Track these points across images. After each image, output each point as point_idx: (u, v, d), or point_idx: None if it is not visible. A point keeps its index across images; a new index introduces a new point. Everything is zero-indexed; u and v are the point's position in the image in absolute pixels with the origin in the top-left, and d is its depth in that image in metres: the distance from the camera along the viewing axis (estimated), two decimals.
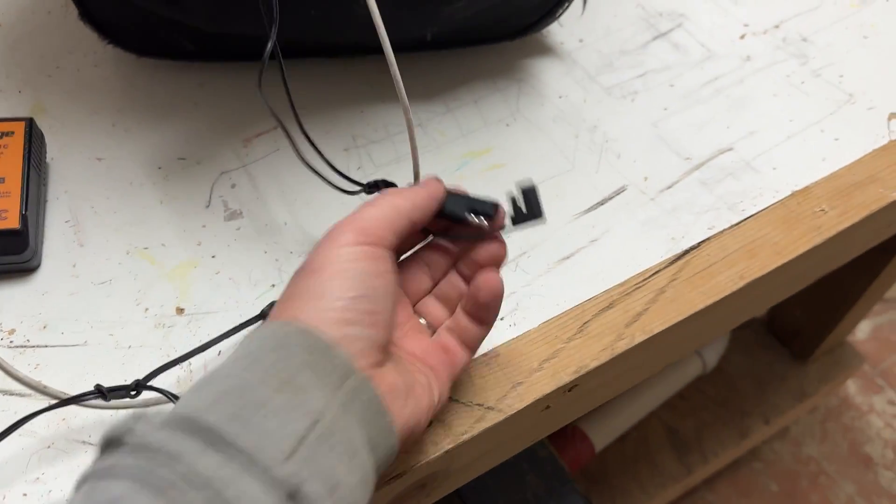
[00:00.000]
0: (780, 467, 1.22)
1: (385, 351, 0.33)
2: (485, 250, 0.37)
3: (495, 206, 0.37)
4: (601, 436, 0.92)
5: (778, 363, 1.04)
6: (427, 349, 0.37)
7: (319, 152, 0.45)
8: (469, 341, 0.37)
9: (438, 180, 0.38)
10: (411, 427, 0.33)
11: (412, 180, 0.43)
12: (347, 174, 0.51)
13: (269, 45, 0.41)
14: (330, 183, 0.45)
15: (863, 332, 1.36)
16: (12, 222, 0.43)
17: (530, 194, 0.38)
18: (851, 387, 1.30)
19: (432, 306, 0.38)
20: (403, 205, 0.35)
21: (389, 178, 0.51)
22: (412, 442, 0.35)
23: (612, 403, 0.93)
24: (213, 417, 0.27)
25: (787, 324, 1.03)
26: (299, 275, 0.33)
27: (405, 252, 0.39)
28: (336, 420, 0.29)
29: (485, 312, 0.37)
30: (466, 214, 0.37)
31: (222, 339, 0.41)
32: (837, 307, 0.94)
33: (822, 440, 1.25)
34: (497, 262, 0.38)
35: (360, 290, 0.32)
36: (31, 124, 0.47)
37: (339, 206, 0.48)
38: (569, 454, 0.88)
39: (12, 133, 0.46)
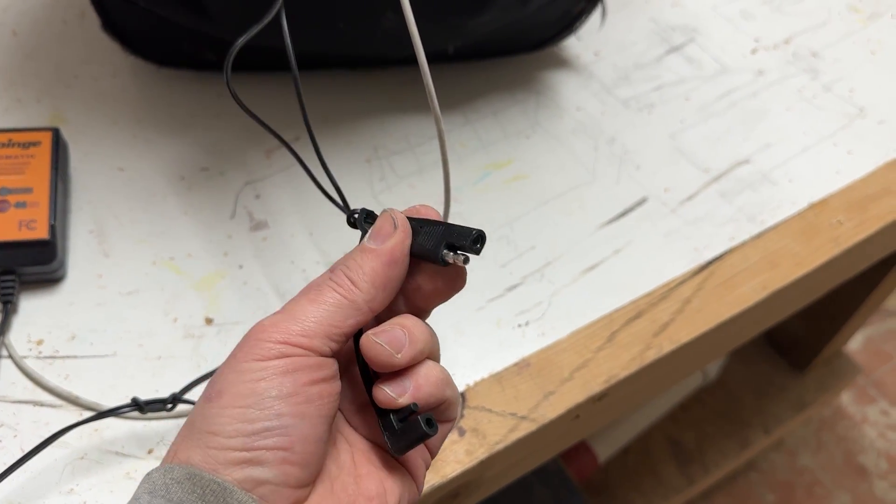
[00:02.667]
0: (776, 477, 1.23)
1: (306, 484, 0.27)
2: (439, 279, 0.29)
3: (480, 236, 0.29)
4: (605, 447, 0.92)
5: (777, 374, 1.05)
6: (370, 474, 0.29)
7: (327, 170, 0.43)
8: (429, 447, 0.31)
9: (403, 230, 0.30)
10: None
11: (442, 192, 0.43)
12: (371, 184, 0.51)
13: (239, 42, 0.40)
14: (332, 201, 0.44)
15: (856, 342, 1.38)
16: (41, 233, 0.43)
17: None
18: (845, 397, 1.32)
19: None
20: (354, 298, 0.28)
21: (413, 189, 0.51)
22: None
23: None
24: None
25: (786, 334, 1.04)
26: (199, 400, 0.27)
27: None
28: None
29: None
30: (442, 253, 0.29)
31: None
32: (835, 318, 0.95)
33: (818, 450, 1.26)
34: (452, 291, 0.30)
35: (264, 420, 0.26)
36: (57, 134, 0.47)
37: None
38: (573, 466, 0.88)
39: (39, 143, 0.46)
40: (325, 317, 0.27)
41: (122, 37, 0.52)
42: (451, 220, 0.45)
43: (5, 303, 0.43)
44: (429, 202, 0.50)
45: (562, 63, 0.59)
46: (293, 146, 0.52)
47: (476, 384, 0.42)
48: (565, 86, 0.57)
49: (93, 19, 0.58)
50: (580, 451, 0.90)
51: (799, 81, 0.58)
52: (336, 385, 0.28)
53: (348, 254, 0.29)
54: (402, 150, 0.53)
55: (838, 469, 1.25)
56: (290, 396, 0.26)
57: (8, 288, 0.43)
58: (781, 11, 0.63)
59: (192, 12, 0.46)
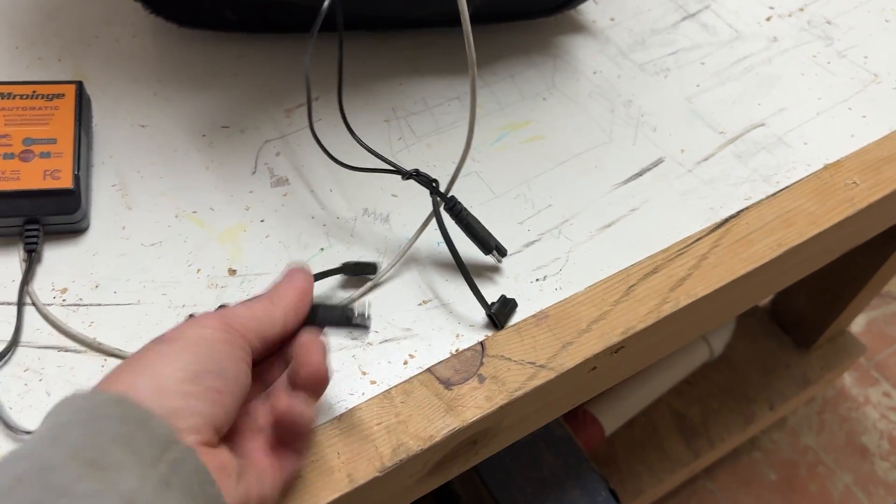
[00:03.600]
0: (779, 457, 1.24)
1: (220, 434, 0.31)
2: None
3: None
4: (611, 420, 0.93)
5: (781, 351, 1.06)
6: (259, 450, 0.34)
7: (360, 141, 0.45)
8: (295, 446, 0.35)
9: (307, 274, 0.37)
10: None
11: (459, 150, 0.44)
12: (389, 143, 0.52)
13: (326, 5, 0.41)
14: (377, 156, 0.45)
15: (858, 325, 1.39)
16: (66, 182, 0.44)
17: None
18: (848, 379, 1.33)
19: (262, 408, 0.36)
20: (275, 313, 0.35)
21: (430, 148, 0.52)
22: None
23: (621, 388, 0.94)
24: None
25: (791, 312, 1.05)
26: (151, 342, 0.32)
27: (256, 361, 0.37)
28: (153, 499, 0.26)
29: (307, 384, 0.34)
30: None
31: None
32: (841, 296, 0.95)
33: (820, 431, 1.27)
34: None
35: (209, 366, 0.31)
36: (81, 87, 0.47)
37: (378, 176, 0.48)
38: (580, 437, 0.89)
39: (63, 95, 0.47)
40: (255, 317, 0.34)
41: None
42: (468, 178, 0.47)
43: (30, 251, 0.43)
44: (447, 161, 0.51)
45: (579, 27, 0.59)
46: (314, 105, 0.53)
47: (495, 334, 0.43)
48: (582, 50, 0.58)
49: None
50: (587, 422, 0.90)
51: (813, 48, 0.59)
52: (250, 376, 0.33)
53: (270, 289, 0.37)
54: (420, 111, 0.54)
55: (840, 449, 1.26)
56: (230, 359, 0.32)
57: (32, 237, 0.44)
58: None
59: None
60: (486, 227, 0.47)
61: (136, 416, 0.28)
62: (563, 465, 0.77)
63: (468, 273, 0.43)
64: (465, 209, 0.44)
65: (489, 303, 0.43)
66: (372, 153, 0.46)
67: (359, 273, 0.44)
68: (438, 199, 0.44)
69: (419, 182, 0.45)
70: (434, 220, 0.44)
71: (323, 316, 0.37)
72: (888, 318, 1.41)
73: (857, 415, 1.30)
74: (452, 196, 0.44)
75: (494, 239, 0.44)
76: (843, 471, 1.24)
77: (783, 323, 1.06)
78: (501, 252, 0.45)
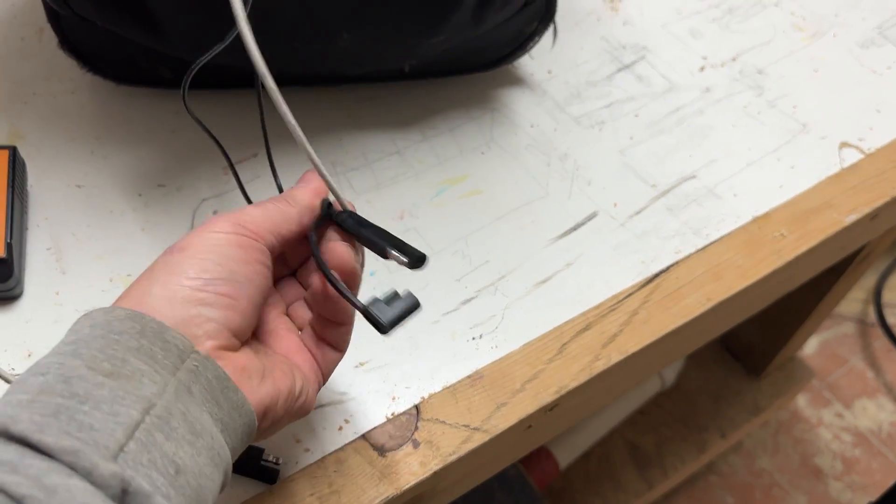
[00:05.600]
0: (735, 480, 1.26)
1: (240, 338, 0.32)
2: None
3: (423, 257, 0.34)
4: (565, 453, 0.94)
5: (732, 378, 1.08)
6: (292, 348, 0.36)
7: (280, 187, 0.44)
8: (334, 341, 0.37)
9: (321, 182, 0.37)
10: (266, 405, 0.32)
11: (399, 207, 0.44)
12: None
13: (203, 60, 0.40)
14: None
15: (811, 346, 1.42)
16: None
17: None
18: (801, 400, 1.35)
19: (302, 310, 0.37)
20: (290, 211, 0.35)
21: (370, 204, 0.52)
22: (269, 427, 0.33)
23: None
24: (24, 425, 0.25)
25: (741, 340, 1.07)
26: (164, 253, 0.32)
27: (294, 265, 0.39)
28: (173, 403, 0.28)
29: (332, 309, 0.35)
30: (388, 248, 0.34)
31: None
32: (788, 324, 0.98)
33: (775, 453, 1.30)
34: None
35: (220, 272, 0.31)
36: (14, 153, 0.47)
37: None
38: (535, 472, 0.89)
39: None
40: (269, 216, 0.34)
41: (80, 54, 0.52)
42: (407, 234, 0.47)
43: None
44: (386, 216, 0.52)
45: (516, 81, 0.60)
46: (251, 162, 0.53)
47: (431, 396, 0.43)
48: (519, 103, 0.59)
49: (51, 36, 0.58)
50: (542, 457, 0.91)
51: (744, 98, 0.60)
52: (270, 274, 0.34)
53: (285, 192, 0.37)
54: (360, 165, 0.54)
55: (795, 471, 1.28)
56: (243, 262, 0.32)
57: None
58: (729, 30, 0.66)
59: (147, 32, 0.47)
60: (426, 284, 0.48)
61: (151, 329, 0.29)
62: None
63: (338, 286, 0.34)
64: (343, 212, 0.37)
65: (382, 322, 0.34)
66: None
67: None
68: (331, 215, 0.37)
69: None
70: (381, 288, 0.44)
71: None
72: (840, 339, 1.44)
73: (810, 436, 1.32)
74: (325, 199, 0.37)
75: (390, 236, 0.35)
76: (797, 492, 1.26)
77: (734, 350, 1.08)
78: (405, 251, 0.34)
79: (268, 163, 0.43)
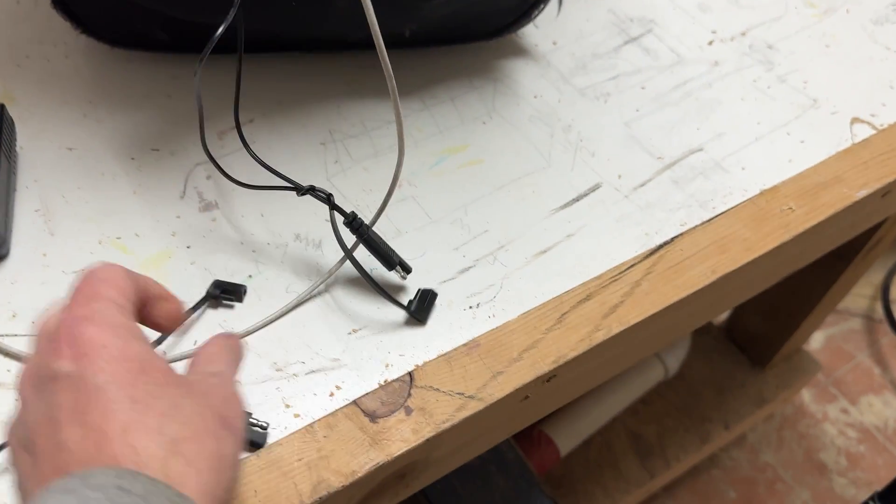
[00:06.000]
0: (738, 474, 1.24)
1: None
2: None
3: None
4: (566, 440, 0.92)
5: (737, 370, 1.06)
6: None
7: (256, 158, 0.45)
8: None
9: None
10: None
11: (392, 173, 0.43)
12: (325, 167, 0.51)
13: (220, 30, 0.41)
14: (280, 176, 0.45)
15: (817, 342, 1.40)
16: None
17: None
18: (806, 395, 1.34)
19: None
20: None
21: (367, 171, 0.51)
22: None
23: (576, 408, 0.94)
24: None
25: (746, 331, 1.05)
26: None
27: None
28: None
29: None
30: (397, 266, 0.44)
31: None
32: (795, 314, 0.96)
33: (779, 448, 1.28)
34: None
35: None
36: (2, 110, 0.46)
37: (307, 201, 0.47)
38: (535, 458, 0.88)
39: None
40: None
41: (74, 16, 0.51)
42: (405, 203, 0.47)
43: None
44: (383, 185, 0.51)
45: (520, 51, 0.59)
46: (247, 127, 0.52)
47: (425, 364, 0.42)
48: (523, 74, 0.57)
49: (47, 0, 0.57)
50: (542, 443, 0.90)
51: (754, 72, 0.59)
52: None
53: None
54: (358, 133, 0.53)
55: (799, 466, 1.27)
56: None
57: None
58: (738, 5, 0.64)
59: None
60: (422, 252, 0.47)
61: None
62: (514, 489, 0.76)
63: (373, 279, 0.43)
64: (366, 225, 0.44)
65: (407, 302, 0.43)
66: (268, 169, 0.45)
67: (224, 297, 0.43)
68: (336, 213, 0.44)
69: (316, 197, 0.44)
70: (357, 242, 0.43)
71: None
72: (846, 335, 1.42)
73: (815, 431, 1.31)
74: (353, 212, 0.44)
75: (398, 255, 0.44)
76: (801, 487, 1.24)
77: (738, 341, 1.07)
78: (406, 269, 0.44)
79: (264, 127, 0.42)
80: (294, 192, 0.44)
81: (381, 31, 0.53)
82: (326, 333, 0.43)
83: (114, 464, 0.24)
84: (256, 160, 0.44)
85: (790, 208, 0.50)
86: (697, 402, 1.02)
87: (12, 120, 0.48)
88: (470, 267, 0.47)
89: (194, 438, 0.26)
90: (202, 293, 0.44)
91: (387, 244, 0.44)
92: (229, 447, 0.27)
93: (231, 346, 0.33)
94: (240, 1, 0.40)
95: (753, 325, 1.03)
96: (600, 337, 0.43)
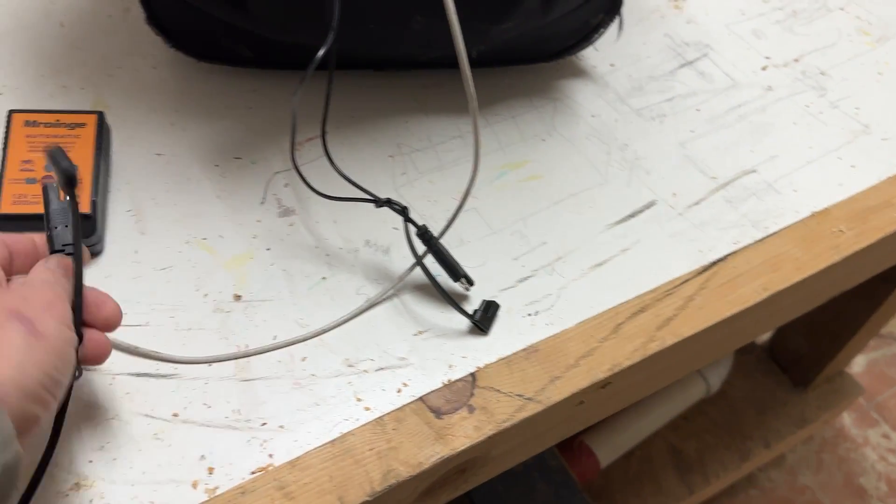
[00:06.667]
0: (776, 495, 1.24)
1: None
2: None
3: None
4: (607, 452, 0.94)
5: (779, 389, 1.06)
6: None
7: (339, 171, 0.48)
8: None
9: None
10: None
11: (460, 187, 0.46)
12: (393, 178, 0.54)
13: (322, 52, 0.44)
14: (359, 188, 0.48)
15: (859, 365, 1.39)
16: (83, 207, 0.46)
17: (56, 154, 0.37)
18: (847, 419, 1.33)
19: None
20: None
21: (433, 184, 0.54)
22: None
23: (618, 421, 0.95)
24: None
25: (789, 351, 1.06)
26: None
27: None
28: None
29: None
30: (461, 278, 0.47)
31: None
32: (838, 336, 0.97)
33: (818, 470, 1.28)
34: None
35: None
36: (101, 117, 0.50)
37: (376, 210, 0.50)
38: (575, 469, 0.90)
39: (84, 125, 0.49)
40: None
41: (165, 31, 0.55)
42: (468, 214, 0.50)
43: None
44: (447, 196, 0.53)
45: (579, 72, 0.61)
46: (319, 140, 0.55)
47: (486, 366, 0.44)
48: (581, 94, 0.60)
49: (136, 15, 0.61)
50: (583, 454, 0.92)
51: (806, 98, 0.61)
52: None
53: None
54: (424, 147, 0.56)
55: (838, 490, 1.26)
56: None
57: None
58: (792, 32, 0.66)
59: (233, 9, 0.49)
60: (483, 261, 0.50)
61: None
62: (556, 496, 0.78)
63: (442, 288, 0.46)
64: (436, 238, 0.47)
65: (472, 311, 0.46)
66: (351, 183, 0.48)
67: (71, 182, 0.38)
68: (410, 225, 0.47)
69: (392, 209, 0.47)
70: (427, 252, 0.46)
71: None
72: (889, 360, 1.41)
73: (855, 455, 1.30)
74: (424, 225, 0.47)
75: (462, 268, 0.47)
76: None
77: (781, 361, 1.07)
78: (469, 281, 0.47)
79: (337, 138, 0.45)
80: (361, 205, 0.47)
81: (451, 52, 0.56)
82: (394, 334, 0.46)
83: None
84: (339, 173, 0.47)
85: (840, 230, 0.52)
86: (738, 420, 1.03)
87: (109, 126, 0.52)
88: (529, 276, 0.49)
89: None
90: (281, 292, 0.47)
91: (452, 256, 0.47)
92: (14, 332, 0.33)
93: (52, 263, 0.38)
94: (336, 27, 0.43)
95: (796, 345, 1.03)
96: (654, 348, 0.45)
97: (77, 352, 0.36)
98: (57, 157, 0.36)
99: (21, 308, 0.34)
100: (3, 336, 0.32)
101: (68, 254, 0.38)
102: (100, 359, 0.38)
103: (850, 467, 1.28)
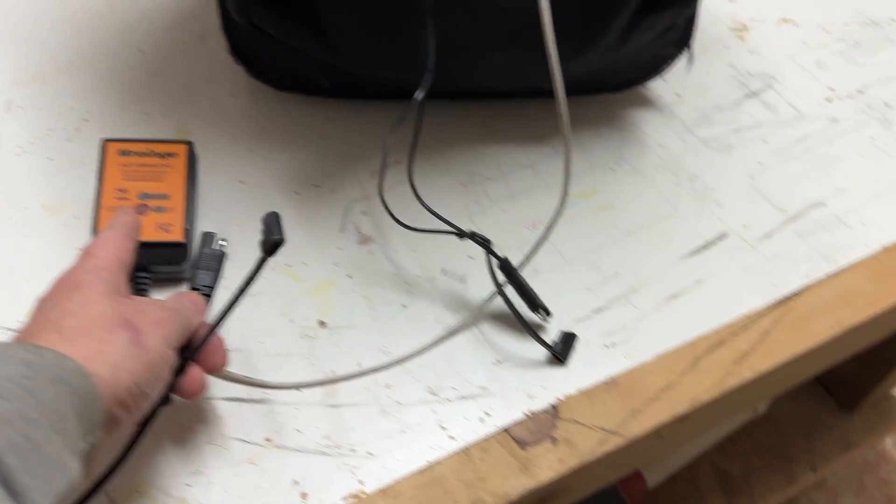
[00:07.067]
0: None
1: None
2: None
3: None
4: (654, 473, 0.94)
5: (824, 412, 1.06)
6: None
7: (424, 204, 0.49)
8: None
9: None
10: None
11: (531, 216, 0.47)
12: (466, 207, 0.55)
13: (421, 95, 0.45)
14: (443, 220, 0.49)
15: None
16: (177, 235, 0.48)
17: (271, 220, 0.40)
18: (889, 442, 1.32)
19: None
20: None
21: (505, 213, 0.55)
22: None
23: None
24: None
25: (835, 374, 1.05)
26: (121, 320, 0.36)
27: None
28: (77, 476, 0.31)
29: None
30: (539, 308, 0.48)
31: None
32: (886, 360, 0.96)
33: (860, 493, 1.27)
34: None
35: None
36: (191, 147, 0.52)
37: (455, 239, 0.51)
38: (624, 489, 0.90)
39: (176, 154, 0.51)
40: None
41: (247, 61, 0.56)
42: (541, 244, 0.50)
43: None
44: (520, 226, 0.54)
45: (645, 102, 0.62)
46: (394, 169, 0.57)
47: (567, 398, 0.45)
48: (648, 124, 0.61)
49: (213, 42, 0.63)
50: (631, 475, 0.92)
51: (872, 130, 0.61)
52: None
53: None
54: (495, 176, 0.57)
55: None
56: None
57: (142, 284, 0.48)
58: (856, 63, 0.66)
59: (319, 44, 0.51)
60: (558, 292, 0.51)
61: (91, 394, 0.32)
62: None
63: (523, 318, 0.47)
64: (517, 270, 0.48)
65: (551, 342, 0.47)
66: (435, 215, 0.49)
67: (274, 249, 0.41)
68: (493, 257, 0.48)
69: (476, 242, 0.48)
70: (503, 281, 0.47)
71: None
72: None
73: None
74: (506, 257, 0.48)
75: (541, 300, 0.48)
76: None
77: (827, 384, 1.07)
78: (547, 312, 0.48)
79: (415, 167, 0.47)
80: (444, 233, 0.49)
81: (525, 85, 0.58)
82: (474, 363, 0.47)
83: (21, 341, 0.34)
84: (424, 206, 0.49)
85: None
86: (784, 443, 1.03)
87: (197, 155, 0.53)
88: (604, 307, 0.50)
89: (81, 327, 0.35)
90: (364, 319, 0.48)
91: (532, 288, 0.48)
92: (119, 338, 0.35)
93: (186, 298, 0.42)
94: (433, 69, 0.44)
95: (843, 368, 1.03)
96: (732, 382, 0.46)
97: (174, 379, 0.38)
98: (271, 223, 0.39)
99: (133, 319, 0.36)
100: (110, 338, 0.35)
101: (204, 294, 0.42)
102: (192, 395, 0.40)
103: (892, 490, 1.27)
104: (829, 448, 1.03)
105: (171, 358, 0.38)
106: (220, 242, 0.46)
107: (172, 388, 0.39)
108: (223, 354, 0.41)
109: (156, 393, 0.37)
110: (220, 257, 0.43)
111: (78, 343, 0.34)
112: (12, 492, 0.27)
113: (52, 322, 0.35)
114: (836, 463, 1.04)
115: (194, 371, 0.39)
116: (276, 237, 0.39)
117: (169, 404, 0.39)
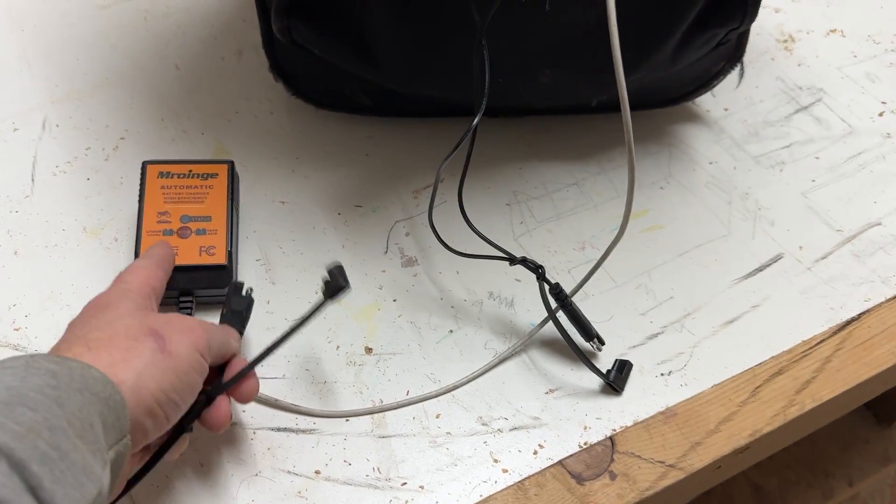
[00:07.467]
0: None
1: None
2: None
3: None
4: None
5: (862, 426, 1.04)
6: None
7: (474, 229, 0.48)
8: None
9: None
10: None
11: (577, 237, 0.45)
12: (511, 227, 0.54)
13: (476, 120, 0.44)
14: (489, 243, 0.48)
15: None
16: (220, 258, 0.47)
17: (335, 270, 0.41)
18: None
19: None
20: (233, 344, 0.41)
21: (551, 233, 0.53)
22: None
23: None
24: (24, 453, 0.27)
25: None
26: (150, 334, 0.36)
27: None
28: (107, 483, 0.30)
29: None
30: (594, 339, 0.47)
31: None
32: None
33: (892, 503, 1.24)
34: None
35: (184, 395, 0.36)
36: (232, 167, 0.50)
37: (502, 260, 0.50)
38: None
39: (216, 175, 0.50)
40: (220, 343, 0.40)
41: (286, 79, 0.55)
42: (589, 265, 0.49)
43: None
44: (567, 247, 0.53)
45: (693, 117, 0.61)
46: (438, 187, 0.55)
47: (624, 430, 0.44)
48: (697, 140, 0.59)
49: (249, 58, 0.62)
50: None
51: None
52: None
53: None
54: (540, 195, 0.56)
55: None
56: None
57: (185, 308, 0.47)
58: None
59: (363, 62, 0.50)
60: (609, 316, 0.49)
61: (118, 401, 0.32)
62: None
63: (577, 347, 0.46)
64: (569, 297, 0.46)
65: (606, 371, 0.45)
66: (484, 240, 0.48)
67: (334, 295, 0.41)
68: (545, 284, 0.46)
69: (526, 268, 0.47)
70: (558, 309, 0.46)
71: None
72: None
73: None
74: (558, 283, 0.47)
75: (594, 328, 0.47)
76: None
77: None
78: (601, 341, 0.47)
79: (451, 188, 0.46)
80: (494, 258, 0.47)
81: (571, 102, 0.56)
82: (525, 392, 0.46)
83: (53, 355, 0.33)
84: (474, 231, 0.48)
85: None
86: (821, 458, 1.01)
87: (238, 175, 0.52)
88: (658, 333, 0.49)
89: (106, 338, 0.35)
90: (411, 345, 0.47)
91: (585, 316, 0.46)
92: (145, 346, 0.35)
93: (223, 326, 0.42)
94: (488, 93, 0.43)
95: None
96: (794, 413, 0.44)
97: (200, 409, 0.38)
98: (336, 275, 0.40)
99: (160, 328, 0.36)
100: (135, 346, 0.35)
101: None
102: (218, 427, 0.38)
103: None
104: (866, 463, 1.01)
105: (201, 365, 0.37)
106: (247, 289, 0.44)
107: (198, 417, 0.38)
108: (254, 383, 0.40)
109: (186, 402, 0.36)
110: (248, 302, 0.44)
111: (103, 352, 0.34)
112: (40, 500, 0.27)
113: (79, 336, 0.35)
114: (874, 478, 1.02)
115: (221, 402, 0.38)
116: (341, 283, 0.40)
117: (189, 433, 0.39)
